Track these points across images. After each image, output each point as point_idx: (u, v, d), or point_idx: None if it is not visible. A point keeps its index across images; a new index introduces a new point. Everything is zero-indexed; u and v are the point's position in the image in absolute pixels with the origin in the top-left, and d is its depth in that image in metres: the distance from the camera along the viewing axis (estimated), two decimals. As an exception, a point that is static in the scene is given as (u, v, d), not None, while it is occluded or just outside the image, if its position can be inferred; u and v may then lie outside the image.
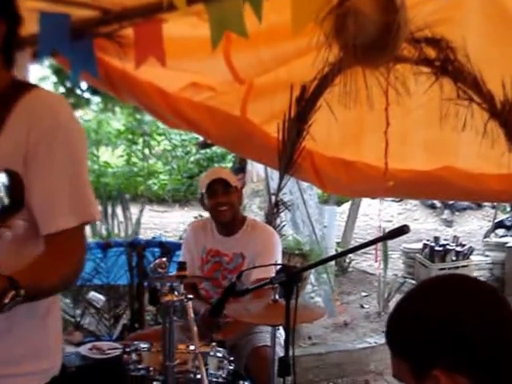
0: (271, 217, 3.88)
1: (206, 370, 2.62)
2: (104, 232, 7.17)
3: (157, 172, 16.71)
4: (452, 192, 3.74)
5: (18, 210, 1.37)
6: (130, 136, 16.72)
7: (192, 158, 16.37)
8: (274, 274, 2.58)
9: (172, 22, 3.47)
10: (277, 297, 2.62)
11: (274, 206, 3.87)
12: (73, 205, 1.65)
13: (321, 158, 3.85)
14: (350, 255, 8.74)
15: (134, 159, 16.86)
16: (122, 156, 16.89)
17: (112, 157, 16.99)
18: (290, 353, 2.31)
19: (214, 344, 2.82)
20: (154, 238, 5.51)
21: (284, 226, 4.19)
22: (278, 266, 2.72)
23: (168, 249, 4.45)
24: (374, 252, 11.04)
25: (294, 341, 2.39)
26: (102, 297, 4.65)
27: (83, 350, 3.68)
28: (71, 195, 1.65)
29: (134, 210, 8.08)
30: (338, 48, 2.98)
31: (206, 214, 3.71)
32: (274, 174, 6.15)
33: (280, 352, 3.13)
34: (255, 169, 6.36)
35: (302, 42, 3.43)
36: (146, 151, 16.97)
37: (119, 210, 7.67)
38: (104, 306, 4.61)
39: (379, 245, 6.98)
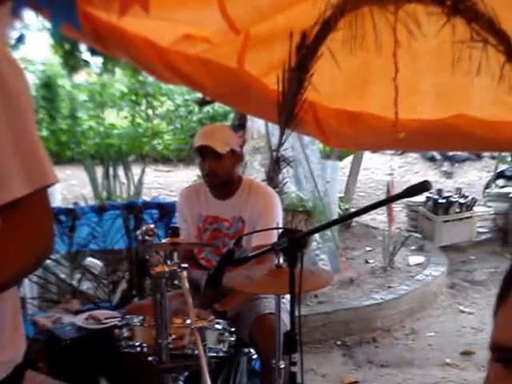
0: (272, 173, 3.50)
1: (204, 345, 2.27)
2: (105, 194, 6.83)
3: (161, 132, 16.42)
4: (466, 141, 3.36)
5: None
6: (134, 97, 16.37)
7: (195, 118, 16.01)
8: (275, 239, 2.23)
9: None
10: (280, 261, 2.28)
11: (274, 162, 3.49)
12: (24, 168, 1.28)
13: (324, 110, 3.47)
14: (353, 209, 8.40)
15: (138, 120, 16.55)
16: (126, 117, 16.57)
17: (117, 118, 16.69)
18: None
19: (212, 317, 2.46)
20: (153, 198, 5.14)
21: (286, 182, 3.82)
22: (280, 230, 2.39)
23: (167, 210, 4.08)
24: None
25: (300, 312, 2.05)
26: (99, 262, 4.32)
27: (79, 320, 3.35)
28: (20, 157, 1.28)
29: (138, 170, 7.72)
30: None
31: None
32: (276, 130, 5.76)
33: (286, 320, 2.80)
34: (256, 125, 5.95)
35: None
36: (150, 112, 16.61)
37: (121, 172, 7.31)
38: (102, 271, 4.27)
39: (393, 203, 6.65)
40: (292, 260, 2.00)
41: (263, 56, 3.58)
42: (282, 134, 3.40)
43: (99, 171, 7.33)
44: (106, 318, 3.34)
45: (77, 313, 3.68)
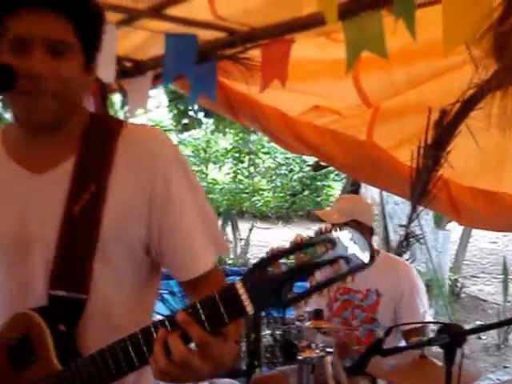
0: (401, 249, 3.39)
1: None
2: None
3: (261, 189, 16.53)
4: None
5: None
6: (237, 154, 16.67)
7: (295, 176, 16.08)
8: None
9: (299, 43, 3.09)
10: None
11: (404, 238, 3.37)
12: (208, 242, 1.37)
13: (458, 187, 3.34)
14: (461, 280, 8.11)
15: (239, 177, 16.77)
16: (228, 173, 16.85)
17: (219, 174, 16.97)
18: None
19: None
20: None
21: (415, 259, 3.70)
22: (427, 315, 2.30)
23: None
24: (483, 275, 10.32)
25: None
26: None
27: (201, 387, 3.30)
28: (204, 232, 1.37)
29: (241, 226, 7.76)
30: (496, 67, 2.51)
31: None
32: (390, 198, 5.66)
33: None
34: (370, 192, 5.88)
35: (437, 63, 3.00)
36: (252, 169, 16.82)
37: (228, 229, 7.35)
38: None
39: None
40: (450, 356, 1.89)
41: (393, 130, 3.52)
42: (413, 210, 3.29)
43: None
44: (228, 388, 3.27)
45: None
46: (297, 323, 2.14)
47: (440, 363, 2.21)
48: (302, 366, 2.14)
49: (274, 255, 1.02)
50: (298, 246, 1.01)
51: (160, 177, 1.32)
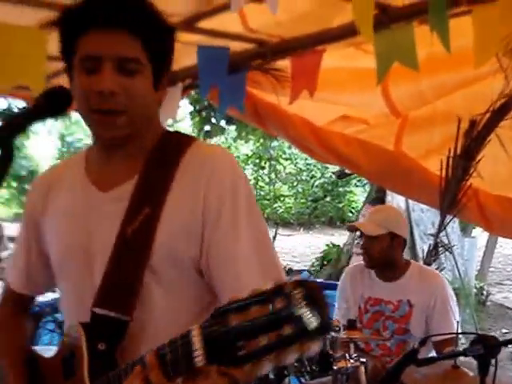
0: (430, 259, 3.41)
1: None
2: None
3: (282, 195, 16.55)
4: None
5: None
6: (257, 161, 16.70)
7: (317, 182, 16.10)
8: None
9: (327, 53, 3.12)
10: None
11: (433, 247, 3.40)
12: (262, 274, 1.28)
13: (487, 196, 3.35)
14: (486, 287, 8.08)
15: (260, 183, 16.81)
16: (249, 180, 16.87)
17: (240, 180, 16.98)
18: None
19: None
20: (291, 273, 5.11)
21: (443, 268, 3.71)
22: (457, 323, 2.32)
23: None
24: (508, 282, 10.26)
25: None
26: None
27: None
28: (259, 262, 1.30)
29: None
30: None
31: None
32: (416, 206, 5.68)
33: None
34: (395, 200, 5.89)
35: (465, 72, 3.02)
36: (273, 175, 16.86)
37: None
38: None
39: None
40: (484, 367, 1.91)
41: (421, 140, 3.54)
42: (442, 219, 3.31)
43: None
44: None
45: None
46: (333, 333, 2.17)
47: (472, 373, 2.24)
48: (337, 376, 2.18)
49: (234, 304, 0.90)
50: (256, 298, 0.89)
51: (215, 192, 1.30)
